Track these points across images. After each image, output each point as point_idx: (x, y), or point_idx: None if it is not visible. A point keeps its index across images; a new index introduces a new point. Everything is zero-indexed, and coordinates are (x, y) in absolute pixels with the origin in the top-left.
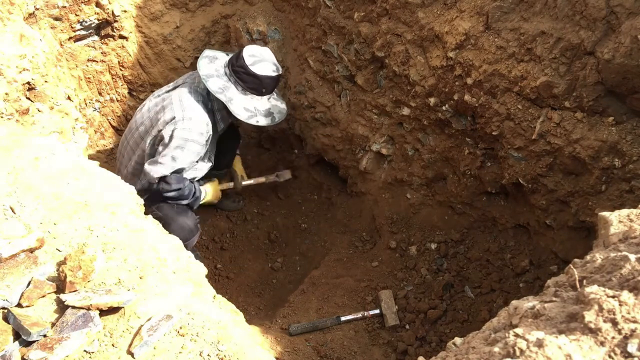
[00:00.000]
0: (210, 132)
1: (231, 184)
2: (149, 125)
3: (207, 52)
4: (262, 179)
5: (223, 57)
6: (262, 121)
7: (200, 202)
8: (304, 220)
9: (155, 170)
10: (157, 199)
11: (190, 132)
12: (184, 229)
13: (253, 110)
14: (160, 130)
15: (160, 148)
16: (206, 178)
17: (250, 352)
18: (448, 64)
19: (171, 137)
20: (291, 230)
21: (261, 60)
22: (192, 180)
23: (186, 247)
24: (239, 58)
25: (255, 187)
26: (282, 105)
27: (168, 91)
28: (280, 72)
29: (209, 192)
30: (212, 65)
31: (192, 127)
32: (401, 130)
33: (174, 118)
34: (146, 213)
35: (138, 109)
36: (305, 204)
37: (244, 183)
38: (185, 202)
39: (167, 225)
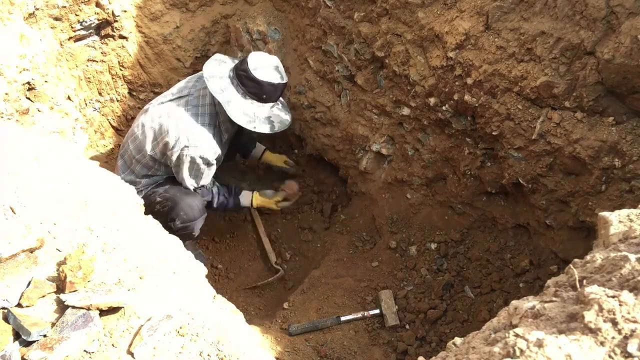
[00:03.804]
0: (218, 151)
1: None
2: (152, 137)
3: (217, 56)
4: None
5: (231, 63)
6: (261, 128)
7: (242, 204)
8: (304, 220)
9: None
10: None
11: (195, 157)
12: (192, 208)
13: (252, 115)
14: (165, 151)
15: (177, 172)
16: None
17: (250, 352)
18: (448, 64)
19: (181, 161)
20: (291, 230)
21: (265, 66)
22: (230, 186)
23: (193, 228)
24: (243, 62)
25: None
26: (286, 117)
27: (172, 99)
28: (284, 82)
29: (256, 198)
30: (219, 68)
31: (196, 153)
32: (401, 130)
33: (178, 143)
34: (150, 203)
35: (141, 111)
36: (305, 204)
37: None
38: (216, 204)
39: (175, 205)
